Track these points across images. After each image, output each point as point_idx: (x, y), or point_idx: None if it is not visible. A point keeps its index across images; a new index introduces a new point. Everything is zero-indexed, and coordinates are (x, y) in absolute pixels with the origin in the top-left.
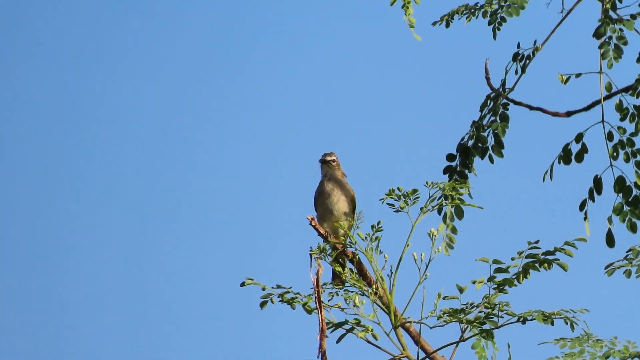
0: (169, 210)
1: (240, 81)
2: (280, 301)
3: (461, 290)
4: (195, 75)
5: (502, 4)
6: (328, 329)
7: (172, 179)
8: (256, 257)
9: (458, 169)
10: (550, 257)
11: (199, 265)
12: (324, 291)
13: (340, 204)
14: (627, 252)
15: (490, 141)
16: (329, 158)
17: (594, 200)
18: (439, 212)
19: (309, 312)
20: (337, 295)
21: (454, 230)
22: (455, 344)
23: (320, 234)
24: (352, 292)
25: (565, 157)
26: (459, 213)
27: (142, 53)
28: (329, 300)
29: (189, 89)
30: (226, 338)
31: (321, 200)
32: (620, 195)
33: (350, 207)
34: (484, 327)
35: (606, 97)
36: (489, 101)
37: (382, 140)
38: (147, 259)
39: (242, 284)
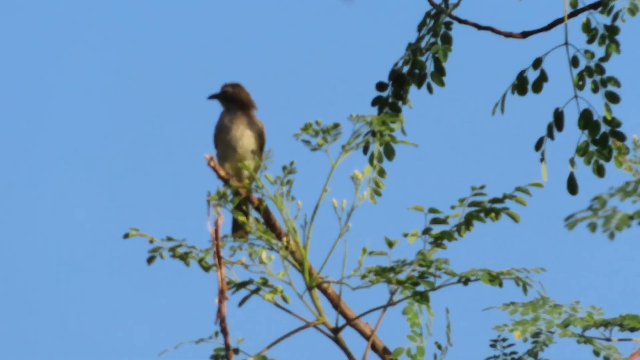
0: (38, 150)
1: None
2: (171, 256)
3: (390, 244)
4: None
5: None
6: (229, 289)
7: (38, 116)
8: (143, 204)
9: (390, 100)
10: (498, 206)
11: (75, 215)
12: (224, 245)
13: (244, 139)
14: (591, 201)
15: (430, 67)
16: (225, 90)
17: (553, 138)
18: (365, 151)
19: (206, 269)
20: (240, 249)
21: (382, 172)
22: (383, 309)
23: (220, 176)
24: (258, 246)
25: (520, 86)
26: (389, 152)
27: None
28: (230, 256)
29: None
30: (108, 299)
31: (221, 135)
32: (586, 132)
33: (257, 144)
34: (418, 288)
35: (571, 15)
36: (428, 20)
37: (298, 66)
38: (13, 208)
39: (126, 236)
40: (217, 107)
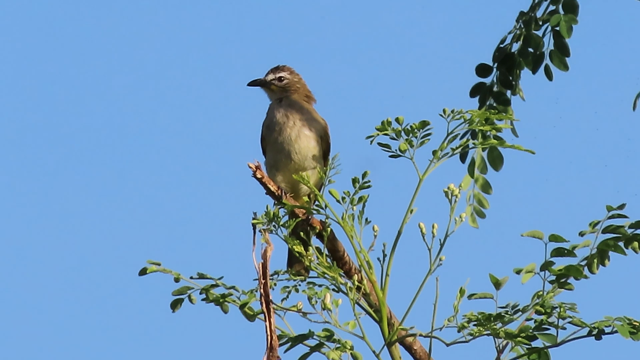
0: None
1: None
2: (204, 300)
3: (497, 283)
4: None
5: None
6: (281, 345)
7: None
8: (166, 228)
9: (495, 89)
10: None
11: (78, 244)
12: (275, 284)
13: (302, 141)
14: None
15: (548, 44)
16: (272, 76)
17: None
18: (463, 158)
19: (251, 317)
20: (297, 291)
21: (486, 187)
22: None
23: (270, 191)
24: (320, 286)
25: None
26: (496, 160)
27: None
28: (282, 300)
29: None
30: (122, 351)
31: (272, 137)
32: None
33: (319, 147)
34: (534, 343)
35: None
36: None
37: (369, 45)
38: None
39: (143, 272)
40: (262, 98)
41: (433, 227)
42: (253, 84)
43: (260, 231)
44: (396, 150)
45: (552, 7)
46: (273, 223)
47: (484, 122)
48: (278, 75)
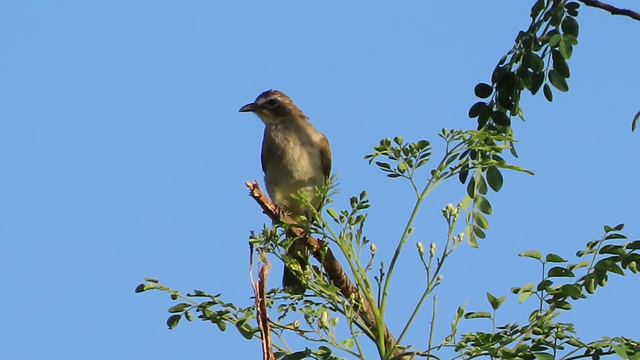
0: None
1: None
2: (201, 317)
3: (495, 303)
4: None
5: None
6: None
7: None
8: (163, 246)
9: (494, 109)
10: None
11: (75, 260)
12: (272, 303)
13: (304, 160)
14: None
15: (548, 64)
16: (263, 100)
17: None
18: (462, 178)
19: (248, 335)
20: (294, 309)
21: (485, 206)
22: None
23: (267, 210)
24: (317, 304)
25: None
26: (495, 180)
27: None
28: (279, 318)
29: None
30: None
31: (273, 160)
32: None
33: (320, 163)
34: None
35: None
36: (546, 1)
37: (367, 64)
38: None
39: (140, 289)
40: (252, 122)
41: (431, 246)
42: (245, 109)
43: (257, 250)
44: (395, 169)
45: (552, 28)
46: (270, 242)
47: (483, 142)
48: (269, 98)
